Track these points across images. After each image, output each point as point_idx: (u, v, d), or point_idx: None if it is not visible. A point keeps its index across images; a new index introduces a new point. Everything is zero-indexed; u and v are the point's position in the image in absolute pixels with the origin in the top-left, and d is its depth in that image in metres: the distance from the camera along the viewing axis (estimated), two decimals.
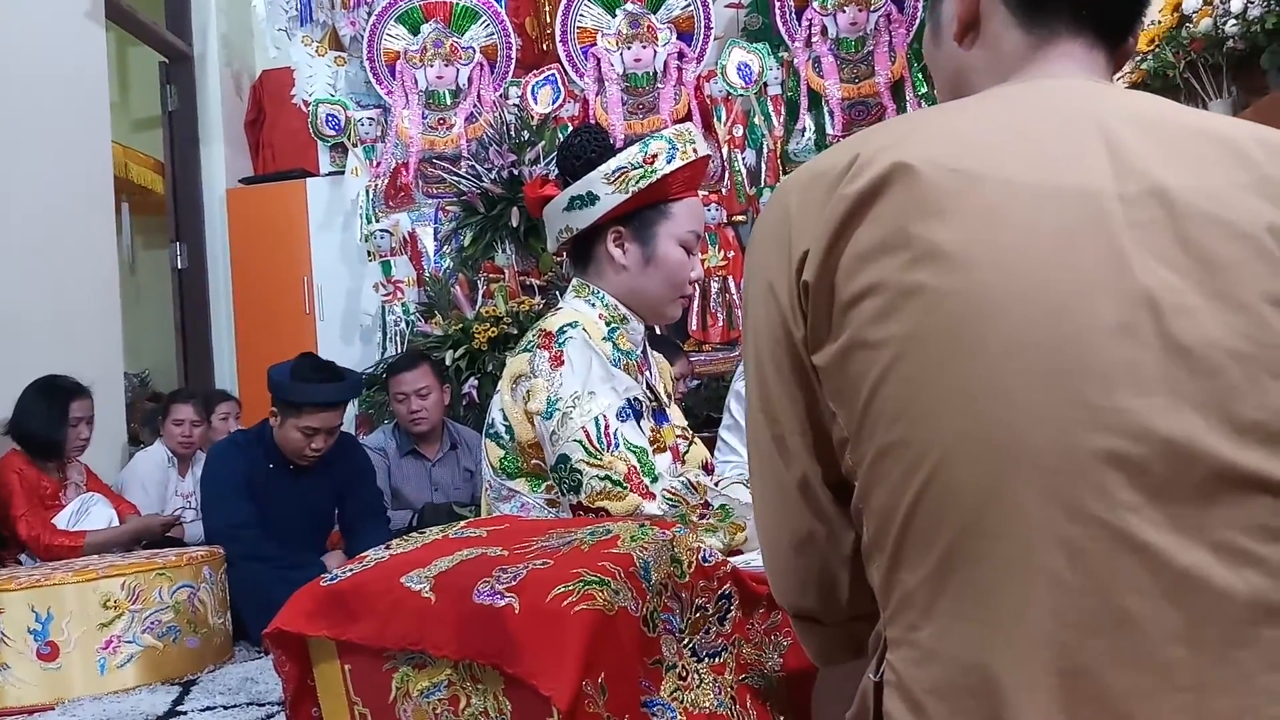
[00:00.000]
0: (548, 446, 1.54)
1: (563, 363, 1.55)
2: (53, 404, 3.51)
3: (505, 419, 1.61)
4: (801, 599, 0.86)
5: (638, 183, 1.62)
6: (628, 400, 1.54)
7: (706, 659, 1.20)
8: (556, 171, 1.77)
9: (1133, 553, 0.64)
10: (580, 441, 1.49)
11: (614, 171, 1.62)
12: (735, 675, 1.22)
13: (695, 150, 1.66)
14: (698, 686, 1.17)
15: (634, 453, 1.49)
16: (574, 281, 1.75)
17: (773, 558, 0.87)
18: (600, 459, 1.47)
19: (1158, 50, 3.08)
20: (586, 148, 1.68)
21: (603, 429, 1.49)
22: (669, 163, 1.62)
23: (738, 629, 1.24)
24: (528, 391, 1.57)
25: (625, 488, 1.46)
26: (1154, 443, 0.65)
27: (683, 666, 1.16)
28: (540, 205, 1.75)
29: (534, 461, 1.60)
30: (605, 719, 1.03)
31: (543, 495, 1.60)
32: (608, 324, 1.67)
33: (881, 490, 0.72)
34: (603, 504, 1.47)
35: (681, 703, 1.14)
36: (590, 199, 1.64)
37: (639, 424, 1.54)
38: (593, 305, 1.69)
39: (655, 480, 1.49)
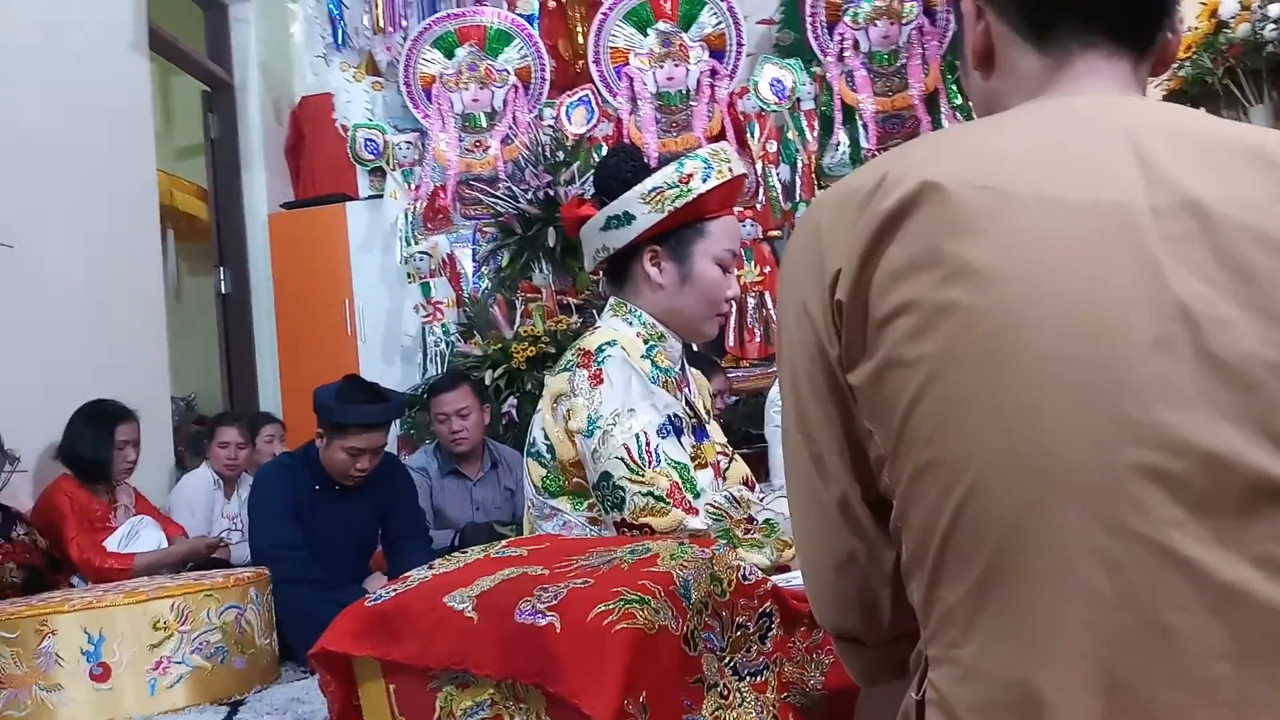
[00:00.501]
0: (589, 465, 1.55)
1: (602, 381, 1.56)
2: (100, 428, 3.59)
3: (546, 438, 1.62)
4: (843, 619, 0.86)
5: (674, 202, 1.63)
6: (668, 417, 1.55)
7: (748, 677, 1.20)
8: (593, 191, 1.79)
9: (1174, 568, 0.64)
10: (622, 459, 1.49)
11: (650, 191, 1.63)
12: (777, 694, 1.21)
13: (731, 169, 1.67)
14: (739, 705, 1.17)
15: (676, 468, 1.50)
16: (611, 301, 1.76)
17: (814, 578, 0.87)
18: (642, 475, 1.48)
19: (1195, 57, 3.05)
20: (623, 168, 1.69)
21: (644, 446, 1.49)
22: (704, 182, 1.63)
23: (779, 647, 1.24)
24: (568, 410, 1.58)
25: (668, 503, 1.47)
26: (1193, 457, 0.64)
27: (724, 685, 1.16)
28: (577, 225, 1.76)
29: (575, 480, 1.61)
30: None
31: (585, 513, 1.61)
32: (645, 342, 1.67)
33: (919, 508, 0.72)
34: (646, 520, 1.47)
35: None
36: (626, 219, 1.65)
37: (679, 440, 1.55)
38: (630, 324, 1.69)
39: (698, 495, 1.50)
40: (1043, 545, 0.66)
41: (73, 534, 3.34)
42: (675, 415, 1.58)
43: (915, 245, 0.70)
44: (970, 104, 0.91)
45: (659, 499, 1.46)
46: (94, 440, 3.56)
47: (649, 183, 1.64)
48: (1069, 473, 0.65)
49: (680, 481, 1.49)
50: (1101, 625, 0.64)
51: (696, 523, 1.47)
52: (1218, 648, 0.63)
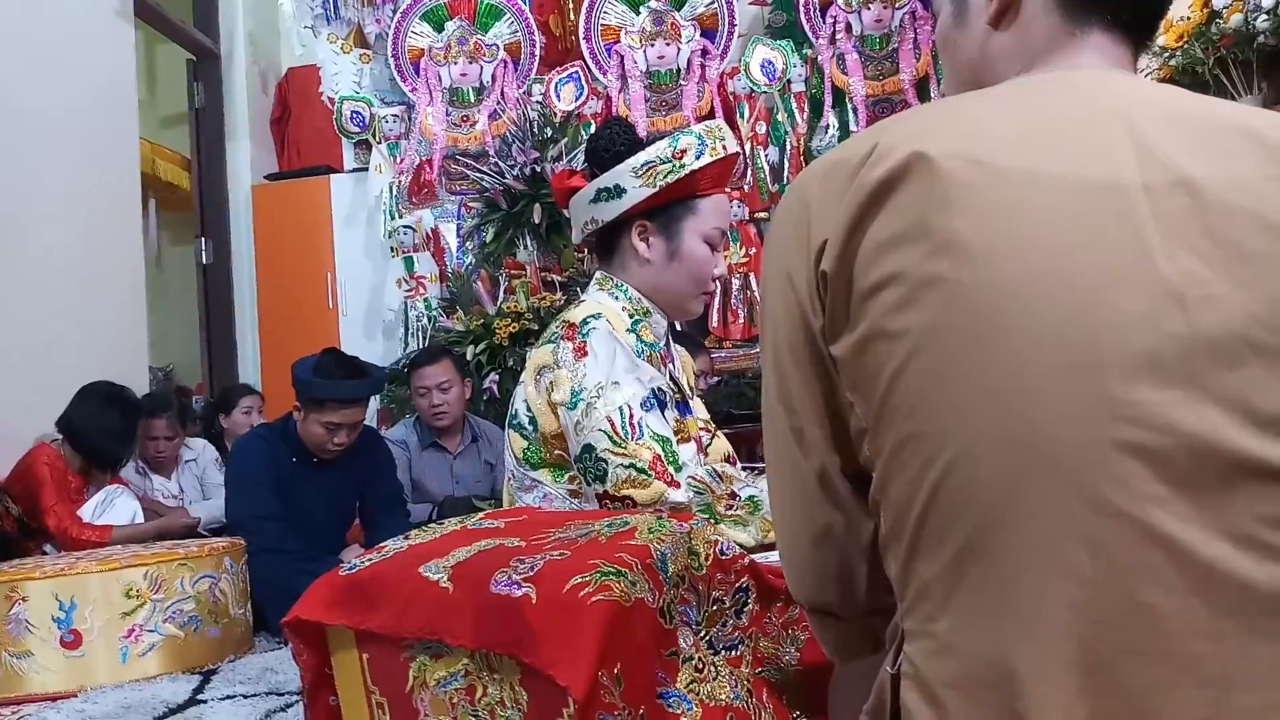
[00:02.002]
0: (572, 437, 1.54)
1: (587, 353, 1.55)
2: (129, 421, 3.57)
3: (528, 410, 1.61)
4: (819, 593, 0.86)
5: (665, 177, 1.62)
6: (652, 390, 1.54)
7: (723, 651, 1.19)
8: (584, 164, 1.77)
9: (1156, 546, 0.63)
10: (605, 431, 1.48)
11: (642, 165, 1.62)
12: (752, 668, 1.21)
13: (725, 147, 1.66)
14: (714, 679, 1.17)
15: (658, 441, 1.49)
16: (597, 274, 1.75)
17: (790, 551, 0.87)
18: (625, 447, 1.47)
19: (1187, 46, 3.05)
20: (615, 141, 1.68)
21: (627, 418, 1.49)
22: (698, 158, 1.62)
23: (755, 622, 1.24)
24: (551, 382, 1.57)
25: (650, 475, 1.46)
26: (1176, 435, 0.64)
27: (699, 659, 1.16)
28: (567, 197, 1.75)
29: (556, 452, 1.60)
30: (621, 709, 1.03)
31: (565, 485, 1.60)
32: (631, 316, 1.67)
33: (899, 481, 0.71)
34: (628, 492, 1.46)
35: (698, 695, 1.14)
36: (617, 191, 1.64)
37: (663, 414, 1.54)
38: (616, 298, 1.69)
39: (680, 469, 1.49)
40: (1023, 521, 0.66)
41: (51, 501, 3.29)
42: (659, 389, 1.57)
43: (903, 217, 0.70)
44: (944, 77, 0.90)
45: (641, 471, 1.46)
46: (119, 433, 3.53)
47: (641, 156, 1.63)
48: (1052, 448, 0.65)
49: (662, 454, 1.48)
50: (1082, 603, 0.64)
51: (678, 495, 1.46)
52: (1198, 625, 0.63)
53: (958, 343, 0.68)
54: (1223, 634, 0.63)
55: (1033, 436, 0.65)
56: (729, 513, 1.45)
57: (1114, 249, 0.66)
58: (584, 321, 1.59)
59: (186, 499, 4.14)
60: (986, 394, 0.67)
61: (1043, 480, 0.65)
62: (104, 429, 3.48)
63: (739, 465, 1.85)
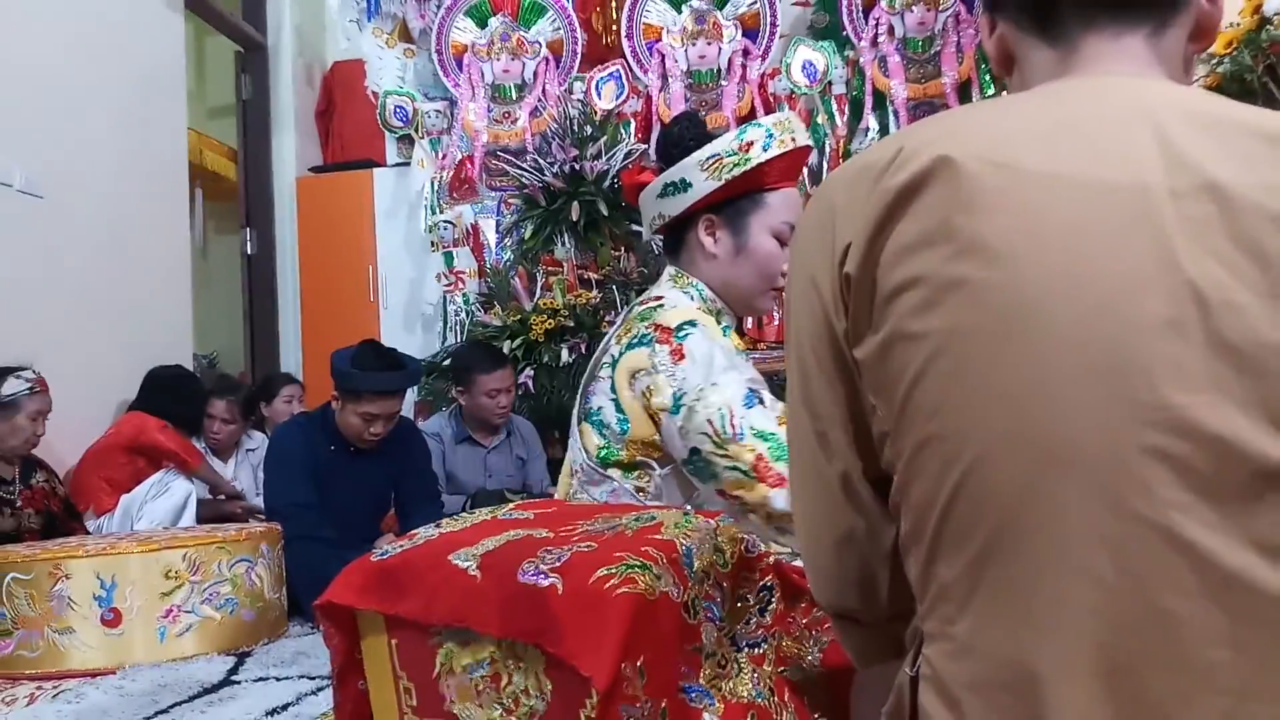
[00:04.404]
0: (677, 441, 1.51)
1: (684, 357, 1.53)
2: (198, 385, 4.14)
3: (619, 410, 1.59)
4: (841, 598, 0.86)
5: (731, 170, 1.60)
6: (751, 390, 1.50)
7: (746, 649, 1.20)
8: (654, 159, 1.77)
9: (1177, 552, 0.63)
10: (707, 434, 1.46)
11: (708, 159, 1.61)
12: (774, 667, 1.22)
13: (795, 140, 1.64)
14: (736, 675, 1.17)
15: (763, 439, 1.45)
16: (669, 270, 1.73)
17: (813, 556, 0.87)
18: (727, 449, 1.44)
19: (1235, 54, 3.00)
20: (685, 135, 1.67)
21: (728, 419, 1.45)
22: (765, 151, 1.60)
23: (778, 621, 1.24)
24: (649, 388, 1.54)
25: (753, 478, 1.42)
26: (1200, 440, 0.63)
27: (722, 655, 1.17)
28: (636, 192, 1.74)
29: (638, 457, 1.58)
30: (643, 702, 1.04)
31: (634, 482, 1.59)
32: (712, 315, 1.64)
33: (920, 483, 0.72)
34: (738, 493, 1.44)
35: (720, 690, 1.15)
36: (683, 185, 1.63)
37: (766, 409, 1.49)
38: (690, 296, 1.67)
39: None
40: (1043, 524, 0.66)
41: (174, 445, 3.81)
42: (757, 386, 1.53)
43: (927, 220, 0.70)
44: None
45: (745, 474, 1.43)
46: (201, 395, 4.16)
47: (708, 150, 1.61)
48: (1074, 452, 0.65)
49: (767, 452, 1.44)
50: (1101, 608, 0.64)
51: (781, 500, 1.41)
52: (1217, 634, 0.63)
53: (979, 344, 0.68)
54: (1242, 642, 0.63)
55: (1053, 438, 0.65)
56: None
57: (1138, 252, 0.66)
58: (680, 326, 1.57)
59: (240, 487, 4.23)
60: (1007, 396, 0.67)
61: (1063, 483, 0.65)
62: (189, 391, 4.05)
63: None
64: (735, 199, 1.64)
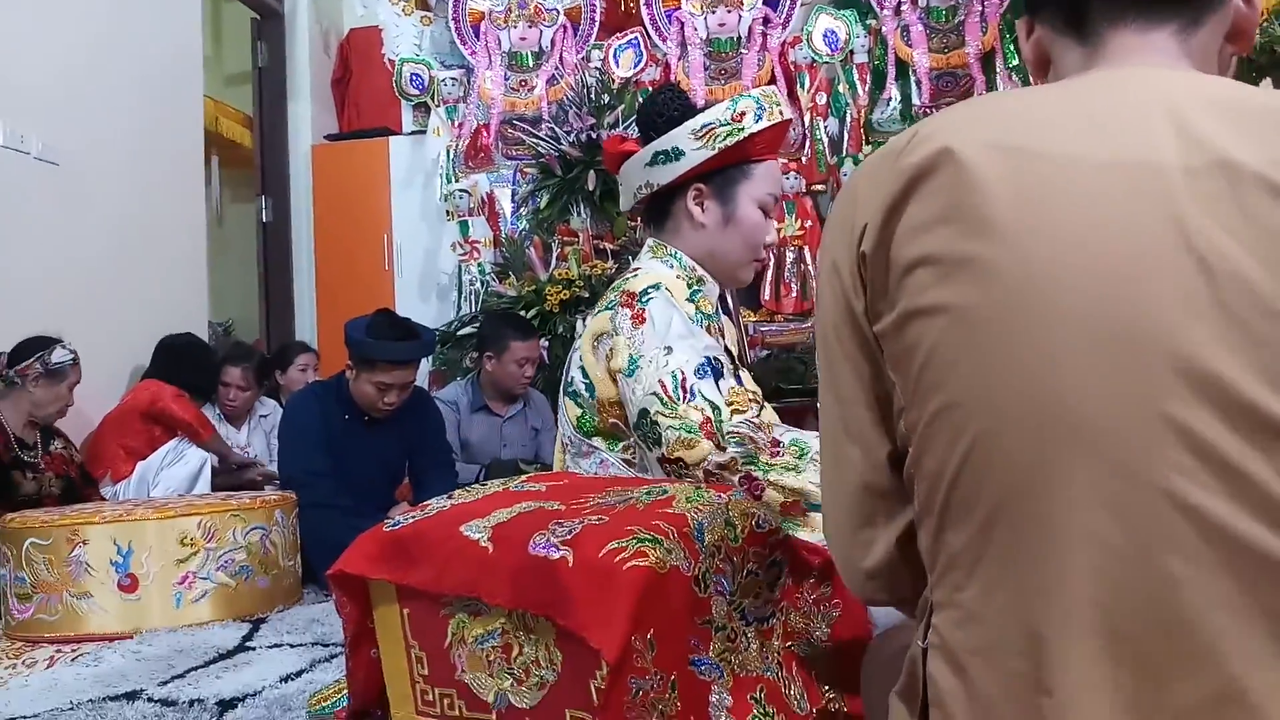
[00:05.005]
0: (630, 403, 1.53)
1: (644, 320, 1.55)
2: (208, 355, 4.18)
3: (585, 376, 1.62)
4: (867, 585, 0.87)
5: (724, 140, 1.62)
6: (707, 359, 1.52)
7: (755, 623, 1.20)
8: (636, 131, 1.77)
9: (1181, 516, 0.64)
10: (657, 394, 1.47)
11: (702, 128, 1.62)
12: (783, 642, 1.22)
13: (781, 112, 1.66)
14: (745, 649, 1.17)
15: (709, 406, 1.46)
16: (649, 241, 1.74)
17: (837, 541, 0.88)
18: (675, 409, 1.46)
19: (1266, 25, 2.95)
20: (669, 106, 1.68)
21: (679, 381, 1.47)
22: (756, 122, 1.62)
23: (787, 596, 1.24)
24: (610, 350, 1.57)
25: (699, 435, 1.43)
26: (1206, 407, 0.64)
27: (732, 629, 1.17)
28: (619, 161, 1.74)
29: (611, 420, 1.60)
30: (653, 674, 1.05)
31: (620, 454, 1.61)
32: (688, 285, 1.66)
33: (932, 454, 0.73)
34: (679, 454, 1.44)
35: (729, 664, 1.15)
36: (675, 154, 1.64)
37: (717, 384, 1.50)
38: (670, 266, 1.68)
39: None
40: (1050, 489, 0.67)
41: (189, 415, 3.86)
42: (715, 358, 1.54)
43: (936, 201, 0.72)
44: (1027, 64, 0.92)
45: (690, 431, 1.43)
46: (214, 365, 4.19)
47: (701, 119, 1.63)
48: (1081, 419, 0.66)
49: (712, 418, 1.46)
50: (1105, 571, 0.65)
51: (721, 456, 1.42)
52: (1219, 598, 0.64)
53: (989, 316, 0.69)
54: (1243, 608, 0.63)
55: (1061, 407, 0.66)
56: (776, 460, 1.41)
57: (1148, 227, 0.67)
58: (644, 291, 1.59)
59: (253, 453, 4.26)
60: (1017, 366, 0.68)
61: (1070, 450, 0.66)
62: (200, 359, 4.11)
63: None
64: (724, 169, 1.66)
